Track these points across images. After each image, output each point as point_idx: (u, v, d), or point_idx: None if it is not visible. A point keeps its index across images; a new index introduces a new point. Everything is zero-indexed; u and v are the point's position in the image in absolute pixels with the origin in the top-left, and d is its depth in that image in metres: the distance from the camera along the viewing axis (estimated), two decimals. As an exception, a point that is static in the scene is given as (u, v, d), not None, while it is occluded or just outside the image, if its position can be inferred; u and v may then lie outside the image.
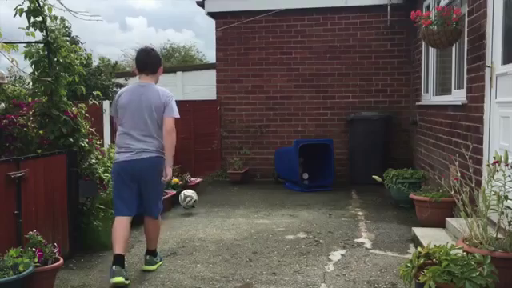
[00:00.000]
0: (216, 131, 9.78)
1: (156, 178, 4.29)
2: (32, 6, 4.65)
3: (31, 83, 5.05)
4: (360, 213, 6.64)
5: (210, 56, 24.50)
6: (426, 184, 6.52)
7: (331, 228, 5.84)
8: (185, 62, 22.93)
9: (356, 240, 5.31)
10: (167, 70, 10.94)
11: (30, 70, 4.96)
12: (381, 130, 8.89)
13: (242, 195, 8.05)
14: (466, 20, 5.31)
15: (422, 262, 3.20)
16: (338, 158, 8.98)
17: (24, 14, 4.65)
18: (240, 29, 9.66)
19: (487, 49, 4.65)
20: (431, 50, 7.31)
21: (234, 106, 9.78)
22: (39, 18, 4.71)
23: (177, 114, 4.32)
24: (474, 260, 3.06)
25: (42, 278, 3.62)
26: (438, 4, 6.64)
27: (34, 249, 3.67)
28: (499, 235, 3.51)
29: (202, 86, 10.93)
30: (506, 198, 3.44)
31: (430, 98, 7.49)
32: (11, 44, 4.44)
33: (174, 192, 7.15)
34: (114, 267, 3.98)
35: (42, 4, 4.70)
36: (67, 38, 5.42)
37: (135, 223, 5.47)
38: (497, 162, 3.52)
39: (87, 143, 5.06)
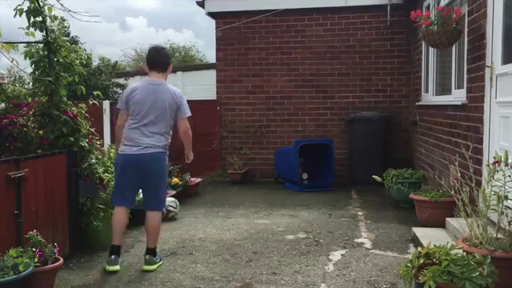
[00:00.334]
0: (216, 131, 9.79)
1: (159, 171, 4.49)
2: (32, 6, 4.64)
3: (31, 83, 5.05)
4: (360, 213, 6.65)
5: (210, 56, 24.49)
6: (426, 184, 6.52)
7: (331, 228, 5.84)
8: (185, 62, 22.90)
9: (356, 240, 5.31)
10: (167, 70, 10.91)
11: (29, 69, 4.96)
12: (381, 130, 8.89)
13: (242, 195, 8.05)
14: (466, 20, 5.31)
15: (422, 262, 3.20)
16: (338, 157, 8.97)
17: (24, 13, 4.64)
18: (240, 29, 9.66)
19: (487, 49, 4.65)
20: (431, 50, 7.31)
21: (234, 105, 9.79)
22: (39, 18, 4.71)
23: (189, 113, 4.68)
24: (474, 260, 3.06)
25: (42, 277, 3.62)
26: (438, 4, 6.64)
27: (34, 249, 3.66)
28: (499, 235, 3.52)
29: (202, 86, 10.93)
30: (506, 197, 3.44)
31: (429, 98, 7.49)
32: (11, 44, 4.44)
33: (174, 192, 7.16)
34: (112, 257, 4.37)
35: (41, 4, 4.70)
36: (67, 38, 5.42)
37: (135, 223, 5.50)
38: (497, 161, 3.52)
39: (87, 143, 5.06)
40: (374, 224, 5.99)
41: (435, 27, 5.34)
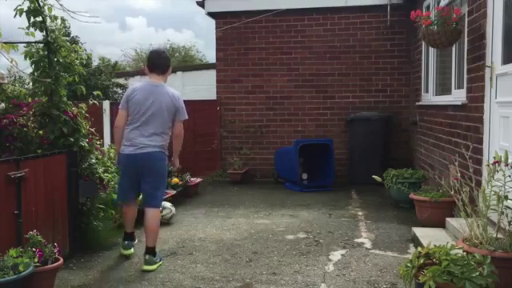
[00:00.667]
0: (216, 131, 9.78)
1: (157, 167, 4.60)
2: (32, 6, 4.64)
3: (31, 83, 5.05)
4: (360, 213, 6.65)
5: (210, 56, 24.47)
6: (425, 184, 6.52)
7: (331, 228, 5.84)
8: (185, 62, 22.89)
9: (356, 240, 5.31)
10: (167, 70, 10.91)
11: (29, 70, 4.96)
12: (381, 130, 8.89)
13: (242, 195, 8.05)
14: (466, 20, 5.31)
15: (422, 262, 3.20)
16: (338, 157, 8.97)
17: (24, 14, 4.64)
18: (240, 29, 9.66)
19: (487, 49, 4.65)
20: (431, 50, 7.31)
21: (234, 105, 9.79)
22: (39, 18, 4.71)
23: (186, 117, 4.78)
24: (474, 260, 3.06)
25: (42, 277, 3.63)
26: (438, 4, 6.64)
27: (34, 249, 3.67)
28: (499, 235, 3.52)
29: (202, 86, 10.93)
30: (506, 197, 3.44)
31: (429, 98, 7.49)
32: (11, 44, 4.45)
33: (174, 192, 7.16)
34: (125, 242, 4.83)
35: (41, 4, 4.70)
36: (67, 38, 5.42)
37: (135, 223, 5.49)
38: (497, 161, 3.52)
39: (87, 143, 5.07)
40: (374, 224, 5.99)
41: (435, 27, 5.34)
